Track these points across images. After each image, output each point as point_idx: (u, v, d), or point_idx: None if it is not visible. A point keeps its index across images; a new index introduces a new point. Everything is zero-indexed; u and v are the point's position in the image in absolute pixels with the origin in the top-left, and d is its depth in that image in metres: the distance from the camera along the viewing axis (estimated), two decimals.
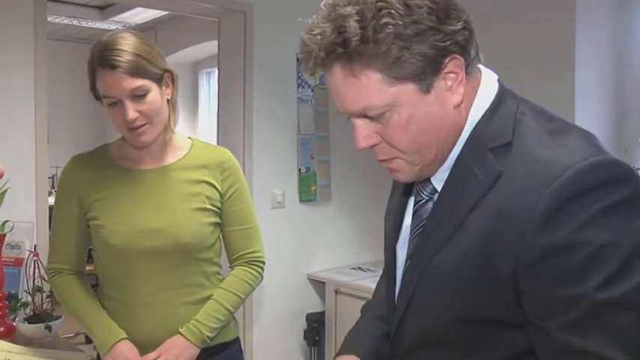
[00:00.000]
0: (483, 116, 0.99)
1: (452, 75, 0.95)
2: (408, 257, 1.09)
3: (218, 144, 3.57)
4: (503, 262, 0.90)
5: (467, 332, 0.99)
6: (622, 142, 3.41)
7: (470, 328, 0.98)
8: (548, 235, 0.86)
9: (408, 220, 1.13)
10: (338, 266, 3.98)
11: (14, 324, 1.97)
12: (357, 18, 0.90)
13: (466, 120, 1.00)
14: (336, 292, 3.75)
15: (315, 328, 3.86)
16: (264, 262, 1.84)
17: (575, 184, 0.85)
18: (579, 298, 0.85)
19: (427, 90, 0.94)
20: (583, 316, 0.85)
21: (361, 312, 1.37)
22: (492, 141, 0.96)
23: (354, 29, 0.90)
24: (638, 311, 0.84)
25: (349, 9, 0.91)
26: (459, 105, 0.98)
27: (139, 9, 5.46)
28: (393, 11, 0.89)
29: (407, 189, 1.16)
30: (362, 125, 0.99)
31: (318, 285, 3.92)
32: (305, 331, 3.89)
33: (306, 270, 3.92)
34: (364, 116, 0.97)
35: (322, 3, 0.96)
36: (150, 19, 5.92)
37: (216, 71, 4.09)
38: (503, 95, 1.02)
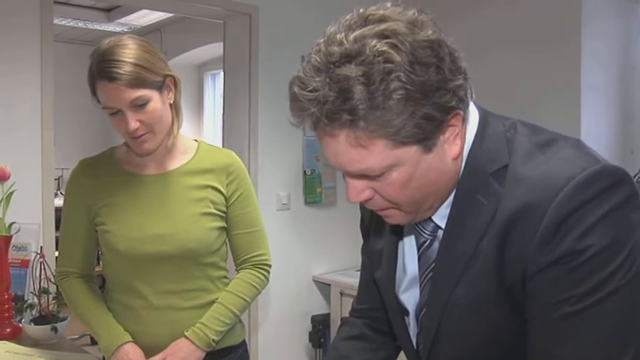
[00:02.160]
0: (474, 143, 0.97)
1: (450, 128, 0.91)
2: (424, 304, 1.05)
3: (223, 146, 3.58)
4: (515, 277, 0.91)
5: (496, 348, 0.99)
6: (628, 144, 3.40)
7: (499, 344, 0.99)
8: (553, 250, 0.87)
9: (410, 263, 1.09)
10: (343, 268, 3.97)
11: (20, 325, 1.97)
12: (362, 81, 0.82)
13: (461, 164, 0.97)
14: (341, 294, 3.75)
15: (320, 330, 3.85)
16: (270, 266, 1.84)
17: (576, 197, 0.86)
18: (566, 301, 0.87)
19: (430, 149, 0.90)
20: (565, 320, 0.87)
21: None
22: (490, 165, 0.95)
23: (360, 94, 0.82)
24: (622, 309, 0.86)
25: (353, 69, 0.83)
26: (457, 157, 0.95)
27: (144, 11, 5.47)
28: (401, 74, 0.82)
29: (394, 229, 1.11)
30: (358, 182, 0.93)
31: (323, 287, 3.93)
32: (310, 333, 3.89)
33: (311, 272, 3.92)
34: (362, 176, 0.92)
35: (313, 49, 0.88)
36: (155, 21, 5.93)
37: (222, 73, 4.10)
38: (485, 117, 1.00)
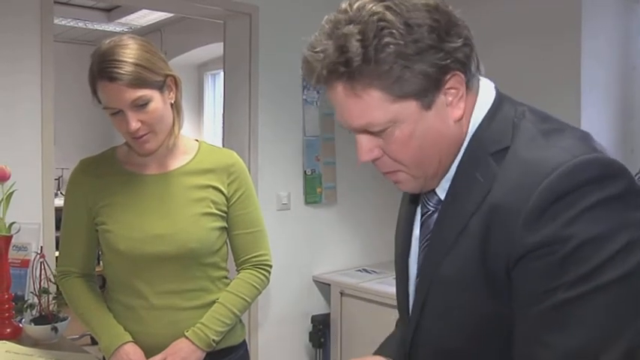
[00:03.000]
0: (482, 123, 1.01)
1: (452, 91, 0.97)
2: (419, 271, 1.10)
3: (223, 146, 3.58)
4: (498, 262, 0.92)
5: (479, 339, 1.00)
6: (628, 143, 3.40)
7: (481, 335, 0.99)
8: (536, 233, 0.87)
9: (416, 231, 1.13)
10: (343, 268, 3.97)
11: (20, 325, 1.97)
12: (358, 37, 0.91)
13: (467, 131, 1.01)
14: (342, 293, 3.74)
15: (320, 330, 3.85)
16: (270, 266, 1.84)
17: (563, 183, 0.87)
18: (555, 290, 0.87)
19: (428, 106, 0.96)
20: (553, 309, 0.87)
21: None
22: (492, 146, 0.98)
23: (355, 49, 0.91)
24: (613, 305, 0.86)
25: (351, 28, 0.92)
26: (459, 119, 0.99)
27: (144, 11, 5.47)
28: (394, 31, 0.90)
29: (413, 198, 1.16)
30: (364, 140, 1.00)
31: (324, 287, 3.92)
32: (310, 333, 3.89)
33: (312, 272, 3.92)
34: (366, 132, 0.99)
35: (324, 20, 0.97)
36: (155, 21, 5.93)
37: (222, 73, 4.10)
38: (500, 101, 1.03)
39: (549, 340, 0.88)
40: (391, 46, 0.90)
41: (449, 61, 0.93)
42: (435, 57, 0.92)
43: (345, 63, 0.92)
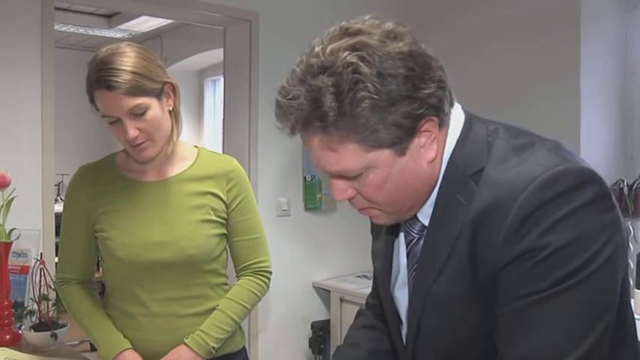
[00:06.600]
0: (455, 147, 1.02)
1: (426, 133, 0.97)
2: (410, 297, 1.10)
3: (223, 152, 3.58)
4: (486, 274, 0.95)
5: (479, 347, 1.02)
6: (627, 149, 3.40)
7: (480, 343, 1.01)
8: (516, 246, 0.90)
9: (402, 260, 1.14)
10: (343, 274, 3.97)
11: (20, 332, 1.97)
12: (332, 91, 0.90)
13: (440, 166, 1.02)
14: (341, 300, 3.74)
15: (320, 336, 3.85)
16: (270, 272, 1.83)
17: (538, 196, 0.89)
18: (528, 295, 0.90)
19: (402, 152, 0.96)
20: (522, 311, 0.91)
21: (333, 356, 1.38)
22: (469, 168, 0.99)
23: (330, 103, 0.90)
24: (579, 308, 0.89)
25: (325, 79, 0.90)
26: (433, 161, 1.00)
27: (144, 17, 5.48)
28: (368, 84, 0.89)
29: (391, 229, 1.16)
30: (339, 183, 1.01)
31: (323, 293, 3.92)
32: (310, 340, 3.89)
33: (311, 278, 3.92)
34: (342, 176, 0.99)
35: (296, 62, 0.96)
36: (156, 27, 5.94)
37: (222, 79, 4.11)
38: (470, 122, 1.04)
39: (514, 339, 0.92)
40: (366, 101, 0.89)
41: (423, 109, 0.93)
42: (409, 107, 0.92)
43: (320, 117, 0.91)
